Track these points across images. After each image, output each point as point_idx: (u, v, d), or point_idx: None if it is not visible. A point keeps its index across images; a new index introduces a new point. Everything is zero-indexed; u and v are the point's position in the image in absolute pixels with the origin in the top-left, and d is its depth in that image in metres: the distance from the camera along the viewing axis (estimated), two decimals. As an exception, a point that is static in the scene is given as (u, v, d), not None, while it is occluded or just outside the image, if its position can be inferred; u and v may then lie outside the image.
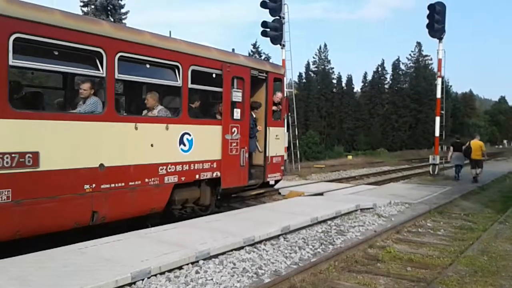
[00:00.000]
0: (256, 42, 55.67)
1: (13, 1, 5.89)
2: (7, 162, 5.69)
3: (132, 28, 7.89)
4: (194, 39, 8.70)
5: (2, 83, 5.64)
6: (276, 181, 11.38)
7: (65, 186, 6.39)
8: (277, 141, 11.02)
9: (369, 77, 74.19)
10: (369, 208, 10.66)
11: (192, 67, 8.40)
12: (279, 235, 7.65)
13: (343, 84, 72.59)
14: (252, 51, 55.42)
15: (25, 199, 5.89)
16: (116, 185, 7.12)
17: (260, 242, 7.19)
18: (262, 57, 53.50)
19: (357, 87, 76.66)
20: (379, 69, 73.89)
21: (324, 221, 9.03)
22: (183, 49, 8.31)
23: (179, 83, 8.20)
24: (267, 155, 10.71)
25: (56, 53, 6.47)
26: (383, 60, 75.23)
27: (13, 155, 5.76)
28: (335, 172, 23.53)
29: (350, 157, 38.11)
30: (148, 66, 7.77)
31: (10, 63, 5.73)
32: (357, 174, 22.45)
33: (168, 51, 7.97)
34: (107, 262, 5.50)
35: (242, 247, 6.80)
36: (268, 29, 18.83)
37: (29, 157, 5.94)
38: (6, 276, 4.89)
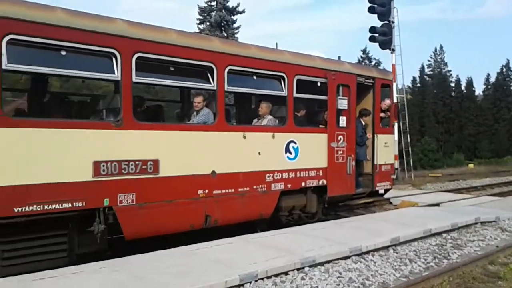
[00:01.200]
0: (366, 48, 54.37)
1: (136, 24, 6.58)
2: (132, 169, 6.34)
3: (239, 42, 8.32)
4: (302, 48, 8.89)
5: (128, 99, 6.32)
6: (386, 190, 11.00)
7: (181, 191, 6.92)
8: (386, 148, 10.67)
9: (492, 79, 68.00)
10: (491, 222, 9.77)
11: (297, 77, 8.56)
12: (388, 246, 7.39)
13: (463, 88, 67.43)
14: (361, 57, 54.27)
15: (147, 202, 6.50)
16: (227, 191, 7.51)
17: (367, 252, 7.02)
18: (373, 63, 52.09)
19: (478, 90, 70.71)
20: (504, 70, 67.35)
21: (439, 233, 8.50)
22: (288, 59, 8.51)
23: (284, 92, 8.41)
24: (375, 163, 10.42)
25: (173, 69, 7.06)
26: (507, 60, 68.13)
27: (137, 162, 6.40)
28: (454, 182, 21.94)
29: (471, 165, 35.27)
30: (255, 77, 8.09)
31: (134, 80, 6.41)
32: (479, 184, 20.68)
33: (273, 63, 8.22)
34: (217, 264, 5.83)
35: (348, 257, 6.71)
36: (377, 35, 18.35)
37: (150, 164, 6.56)
38: (126, 272, 5.44)
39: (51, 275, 5.28)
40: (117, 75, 6.25)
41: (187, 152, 7.01)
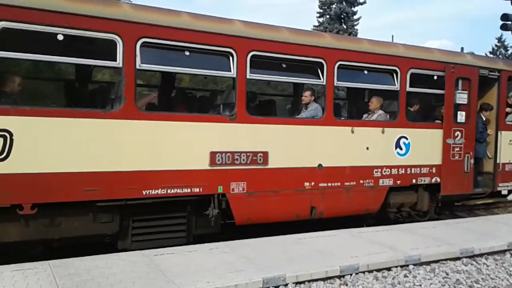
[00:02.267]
0: (501, 35, 49.17)
1: (251, 25, 7.03)
2: (243, 160, 6.84)
3: (351, 37, 8.42)
4: (425, 38, 8.61)
5: (242, 94, 6.80)
6: (510, 191, 10.16)
7: (288, 183, 7.26)
8: (510, 146, 9.83)
9: None
10: None
11: (411, 71, 8.32)
12: (505, 250, 6.92)
13: None
14: (496, 45, 49.36)
15: (256, 191, 6.96)
16: (333, 184, 7.66)
17: (480, 255, 6.66)
18: (509, 52, 47.19)
19: None
20: None
21: None
22: (401, 53, 8.31)
23: (396, 87, 8.24)
24: (497, 161, 9.67)
25: (284, 65, 7.39)
26: None
27: (248, 154, 6.88)
28: None
29: None
30: (366, 72, 8.07)
31: (248, 76, 6.87)
32: None
33: (386, 56, 8.10)
34: (320, 254, 6.06)
35: (458, 258, 6.45)
36: (509, 22, 16.71)
37: (260, 156, 6.99)
38: (236, 254, 5.93)
39: (170, 251, 5.98)
40: (233, 72, 6.76)
41: (295, 145, 7.31)
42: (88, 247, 6.16)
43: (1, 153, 5.28)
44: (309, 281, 5.30)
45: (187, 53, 6.49)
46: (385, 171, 8.18)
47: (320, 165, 7.52)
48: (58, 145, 5.58)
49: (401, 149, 8.35)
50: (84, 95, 7.36)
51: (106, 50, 5.92)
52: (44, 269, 5.08)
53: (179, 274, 5.06)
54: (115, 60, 5.93)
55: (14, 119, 5.35)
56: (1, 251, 5.66)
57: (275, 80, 7.83)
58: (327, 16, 34.18)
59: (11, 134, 5.31)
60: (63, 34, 5.61)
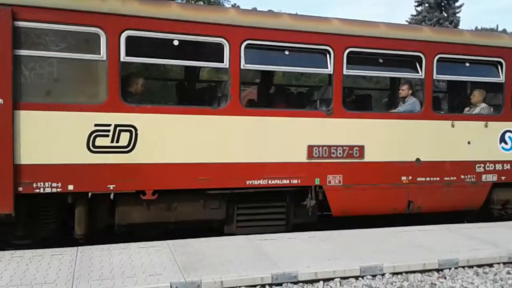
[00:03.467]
0: None
1: (348, 22, 7.24)
2: (339, 153, 7.08)
3: (450, 29, 8.24)
4: None
5: (338, 90, 7.03)
6: None
7: (384, 176, 7.36)
8: None
9: None
10: None
11: (520, 61, 7.93)
12: None
13: None
14: None
15: (352, 184, 7.17)
16: (431, 179, 7.61)
17: None
18: None
19: None
20: None
21: None
22: (507, 43, 7.94)
23: (501, 79, 7.91)
24: None
25: (381, 60, 7.47)
26: None
27: (344, 147, 7.11)
28: None
29: None
30: (467, 64, 7.85)
31: (345, 72, 7.09)
32: None
33: (490, 48, 7.81)
34: (416, 247, 6.13)
35: None
36: None
37: (356, 150, 7.18)
38: (333, 243, 6.23)
39: (272, 237, 6.46)
40: (330, 69, 7.03)
41: (391, 140, 7.38)
42: (198, 231, 6.86)
43: (127, 146, 6.10)
44: (406, 272, 5.44)
45: (286, 52, 6.89)
46: (488, 166, 7.91)
47: (418, 159, 7.50)
48: (175, 139, 6.30)
49: (506, 143, 8.01)
50: (196, 94, 8.10)
51: (215, 52, 6.52)
52: (164, 247, 5.81)
53: (280, 258, 5.49)
54: (223, 62, 6.50)
55: (138, 116, 6.15)
56: (128, 231, 6.54)
57: (372, 75, 7.93)
58: (426, 5, 32.60)
59: (135, 129, 6.12)
60: (178, 40, 6.30)
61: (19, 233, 6.17)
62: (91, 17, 5.92)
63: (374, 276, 5.32)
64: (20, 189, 5.69)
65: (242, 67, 6.56)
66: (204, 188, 6.50)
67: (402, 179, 7.47)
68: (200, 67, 8.09)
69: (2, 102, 5.53)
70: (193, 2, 26.12)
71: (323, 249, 5.94)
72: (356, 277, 5.26)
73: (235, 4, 31.39)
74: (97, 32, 5.94)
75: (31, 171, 5.73)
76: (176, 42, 6.32)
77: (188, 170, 6.34)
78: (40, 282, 4.58)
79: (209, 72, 12.41)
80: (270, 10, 7.64)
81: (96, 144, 5.97)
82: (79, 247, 5.75)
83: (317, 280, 5.11)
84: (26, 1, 5.68)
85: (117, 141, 6.05)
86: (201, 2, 27.05)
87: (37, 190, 5.77)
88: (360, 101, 8.55)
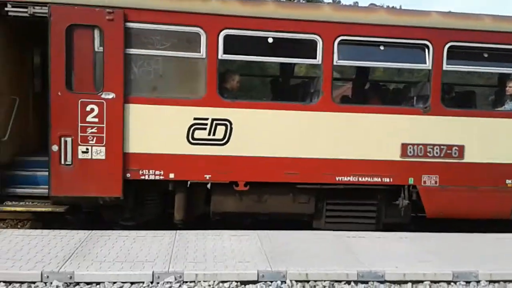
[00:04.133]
0: None
1: (449, 15, 6.89)
2: (436, 152, 6.78)
3: None
4: None
5: (437, 86, 6.74)
6: None
7: (486, 179, 6.90)
8: None
9: None
10: None
11: None
12: None
13: None
14: None
15: (449, 185, 6.83)
16: (541, 183, 6.98)
17: None
18: None
19: None
20: None
21: None
22: None
23: None
24: None
25: (486, 55, 6.99)
26: None
27: (441, 146, 6.79)
28: None
29: None
30: None
31: (444, 68, 6.76)
32: None
33: None
34: None
35: None
36: None
37: (455, 149, 6.82)
38: (425, 245, 6.01)
39: (361, 235, 6.39)
40: (428, 64, 6.75)
41: (496, 140, 6.89)
42: (287, 223, 7.03)
43: (223, 139, 6.44)
44: (504, 281, 5.10)
45: (381, 47, 6.74)
46: None
47: (526, 162, 6.92)
48: (266, 133, 6.51)
49: None
50: (289, 89, 8.26)
51: (308, 49, 6.60)
52: (254, 237, 6.05)
53: (368, 256, 5.45)
54: (315, 58, 6.56)
55: (233, 111, 6.46)
56: (222, 219, 6.93)
57: (475, 70, 7.46)
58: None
59: (230, 123, 6.43)
60: (272, 37, 6.48)
61: (126, 215, 6.82)
62: (193, 18, 6.33)
63: (468, 282, 5.06)
64: (128, 175, 6.30)
65: (335, 63, 6.56)
66: (293, 182, 6.63)
67: (507, 182, 6.94)
68: (293, 64, 8.21)
69: (114, 96, 6.15)
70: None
71: (414, 251, 5.77)
72: (448, 282, 5.04)
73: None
74: (198, 31, 6.33)
75: (138, 159, 6.31)
76: (270, 40, 6.50)
77: (278, 164, 6.51)
78: (142, 260, 5.05)
79: (302, 68, 12.51)
80: (372, 4, 7.52)
81: (195, 136, 6.39)
82: (177, 231, 6.21)
83: (405, 282, 4.99)
84: (136, 3, 6.25)
85: (214, 134, 6.41)
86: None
87: (143, 177, 6.34)
88: (461, 98, 8.07)
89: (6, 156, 6.33)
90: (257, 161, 6.49)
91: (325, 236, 6.31)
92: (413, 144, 6.74)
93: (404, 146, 6.73)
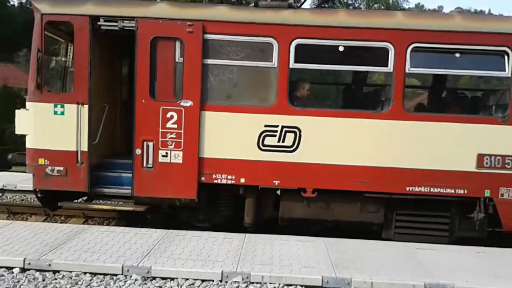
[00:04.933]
0: None
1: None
2: (518, 164, 6.44)
3: None
4: None
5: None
6: None
7: None
8: None
9: None
10: None
11: None
12: None
13: None
14: None
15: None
16: None
17: None
18: None
19: None
20: None
21: None
22: None
23: None
24: None
25: None
26: None
27: (522, 158, 6.44)
28: None
29: None
30: None
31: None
32: None
33: None
34: None
35: None
36: None
37: None
38: (503, 261, 5.75)
39: (432, 247, 6.23)
40: (507, 72, 6.45)
41: None
42: (355, 232, 7.03)
43: (292, 146, 6.61)
44: None
45: (457, 54, 6.56)
46: None
47: None
48: (335, 141, 6.58)
49: None
50: (358, 97, 8.23)
51: (379, 57, 6.58)
52: (319, 243, 6.15)
53: (437, 269, 5.34)
54: (387, 66, 6.53)
55: (303, 119, 6.60)
56: (289, 224, 7.09)
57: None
58: None
59: (299, 131, 6.59)
60: (343, 46, 6.55)
61: (200, 217, 7.21)
62: (266, 28, 6.58)
63: (548, 302, 4.80)
64: (202, 178, 6.67)
65: (407, 71, 6.49)
66: (362, 191, 6.63)
67: None
68: (363, 71, 8.19)
69: (192, 104, 6.56)
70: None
71: (487, 266, 5.55)
72: (525, 300, 4.82)
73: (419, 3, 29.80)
74: (271, 41, 6.56)
75: (212, 164, 6.67)
76: (341, 48, 6.57)
77: (347, 172, 6.55)
78: (212, 260, 5.36)
79: (373, 76, 12.35)
80: (458, 7, 7.27)
81: (265, 143, 6.63)
82: (246, 234, 6.47)
83: (476, 297, 4.85)
84: (214, 16, 6.63)
85: (283, 141, 6.60)
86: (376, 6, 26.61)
87: (216, 181, 6.69)
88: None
89: (96, 158, 6.96)
90: (326, 168, 6.58)
91: (394, 246, 6.24)
92: (490, 155, 6.46)
93: (480, 157, 6.47)
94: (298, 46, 6.53)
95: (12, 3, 22.33)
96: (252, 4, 6.89)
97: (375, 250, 5.98)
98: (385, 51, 6.51)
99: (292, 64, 6.54)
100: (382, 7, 26.31)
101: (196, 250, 5.68)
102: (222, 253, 5.59)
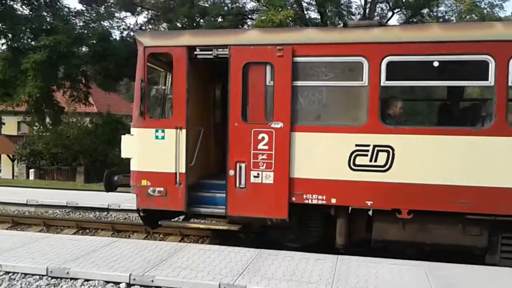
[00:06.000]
0: None
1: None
2: None
3: None
4: None
5: None
6: None
7: None
8: None
9: None
10: None
11: None
12: None
13: None
14: None
15: None
16: None
17: None
18: None
19: None
20: None
21: None
22: None
23: None
24: None
25: None
26: None
27: None
28: None
29: None
30: None
31: None
32: None
33: None
34: None
35: None
36: None
37: None
38: None
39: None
40: None
41: None
42: (454, 256, 6.62)
43: (384, 165, 6.43)
44: None
45: None
46: None
47: None
48: (432, 160, 6.29)
49: None
50: (455, 113, 7.82)
51: (478, 70, 6.23)
52: (417, 268, 5.85)
53: (555, 300, 4.84)
54: (487, 79, 6.16)
55: (395, 137, 6.42)
56: (383, 246, 6.86)
57: None
58: None
59: (393, 150, 6.40)
60: (438, 61, 6.30)
61: (291, 237, 7.24)
62: (355, 47, 6.54)
63: None
64: (293, 199, 6.72)
65: (510, 83, 6.07)
66: (463, 212, 6.24)
67: None
68: (460, 87, 7.78)
69: (282, 126, 6.69)
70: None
71: None
72: None
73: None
74: (360, 60, 6.51)
75: (302, 184, 6.70)
76: (436, 63, 6.33)
77: (446, 192, 6.21)
78: (306, 281, 5.34)
79: (470, 91, 11.65)
80: None
81: (356, 162, 6.53)
82: (339, 256, 6.36)
83: None
84: (304, 39, 6.76)
85: (375, 161, 6.45)
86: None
87: (306, 201, 6.70)
88: None
89: (192, 179, 7.33)
90: (422, 188, 6.30)
91: (501, 272, 5.77)
92: None
93: None
94: (389, 64, 6.41)
95: (114, 37, 24.33)
96: (341, 25, 6.91)
97: (480, 276, 5.56)
98: (485, 64, 6.15)
99: (384, 82, 6.42)
100: (476, 18, 24.79)
101: (289, 270, 5.70)
102: (315, 275, 5.56)
